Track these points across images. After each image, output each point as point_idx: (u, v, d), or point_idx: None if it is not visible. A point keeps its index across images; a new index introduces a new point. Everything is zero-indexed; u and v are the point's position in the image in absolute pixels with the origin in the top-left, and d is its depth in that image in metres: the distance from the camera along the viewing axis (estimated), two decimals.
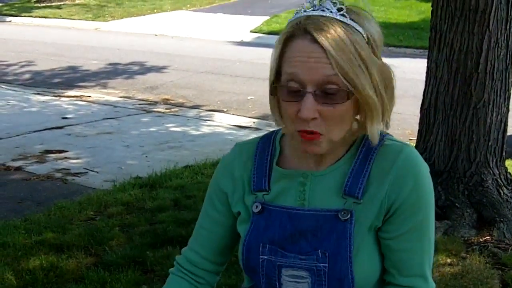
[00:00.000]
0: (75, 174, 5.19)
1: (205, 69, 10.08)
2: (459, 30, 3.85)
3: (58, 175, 5.16)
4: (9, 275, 3.29)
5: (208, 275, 1.40)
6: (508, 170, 4.27)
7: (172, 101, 8.24)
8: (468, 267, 3.44)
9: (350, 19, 1.13)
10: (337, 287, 1.20)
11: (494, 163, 4.04)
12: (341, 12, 1.12)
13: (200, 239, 1.38)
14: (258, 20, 14.87)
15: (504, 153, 4.14)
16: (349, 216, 1.19)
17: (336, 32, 1.10)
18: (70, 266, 3.45)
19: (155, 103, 8.15)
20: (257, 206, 1.26)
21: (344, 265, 1.19)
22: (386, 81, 1.17)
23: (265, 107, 8.54)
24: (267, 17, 15.16)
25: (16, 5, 17.70)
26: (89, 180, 5.08)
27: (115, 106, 7.83)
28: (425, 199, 1.21)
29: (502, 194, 4.00)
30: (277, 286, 1.25)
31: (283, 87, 1.15)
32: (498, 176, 4.06)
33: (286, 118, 1.18)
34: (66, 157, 5.66)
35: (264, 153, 1.29)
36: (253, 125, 7.10)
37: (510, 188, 4.14)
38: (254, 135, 6.66)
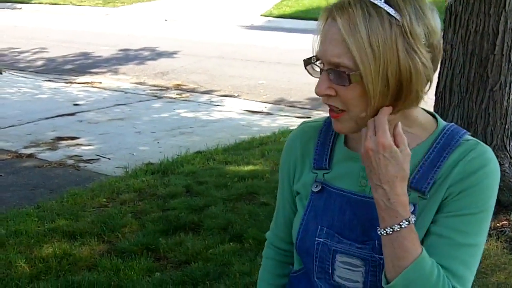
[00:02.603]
0: (87, 161, 5.18)
1: (215, 54, 10.02)
2: (475, 11, 3.77)
3: (70, 162, 5.16)
4: (22, 263, 3.29)
5: (288, 257, 1.39)
6: None
7: (183, 87, 8.21)
8: (486, 252, 3.39)
9: (388, 3, 1.07)
10: None
11: (511, 146, 3.97)
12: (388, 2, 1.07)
13: (277, 220, 1.39)
14: (268, 4, 14.75)
15: None
16: (412, 210, 1.12)
17: (354, 13, 1.07)
18: (83, 253, 3.45)
19: (166, 88, 8.12)
20: (317, 186, 1.24)
21: None
22: (403, 80, 1.09)
23: (277, 91, 8.52)
24: (278, 1, 15.04)
25: None
26: (101, 166, 5.07)
27: (126, 92, 7.80)
28: (481, 197, 1.13)
29: None
30: (330, 271, 1.21)
31: (312, 65, 1.18)
32: None
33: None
34: (78, 144, 5.66)
35: (328, 132, 1.27)
36: (265, 110, 7.05)
37: None
38: (267, 120, 6.62)
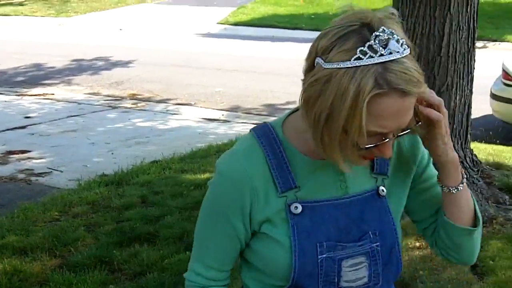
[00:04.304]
0: (39, 174, 5.08)
1: (171, 62, 9.96)
2: (421, 14, 3.85)
3: (21, 176, 5.05)
4: None
5: (227, 281, 1.32)
6: (474, 152, 4.30)
7: (139, 96, 8.13)
8: None
9: (407, 44, 1.09)
10: (388, 260, 1.25)
11: (459, 145, 4.06)
12: (404, 47, 1.08)
13: (215, 255, 1.26)
14: (224, 12, 14.77)
15: (469, 136, 4.16)
16: (383, 190, 1.26)
17: (415, 76, 1.08)
18: (34, 269, 3.37)
19: (121, 98, 8.03)
20: (296, 207, 1.18)
21: (391, 237, 1.25)
22: None
23: (233, 99, 8.54)
24: (234, 8, 15.08)
25: None
26: (53, 180, 4.97)
27: (79, 103, 7.69)
28: None
29: (468, 176, 4.02)
30: (336, 280, 1.22)
31: (368, 139, 1.11)
32: (463, 158, 4.07)
33: (351, 155, 1.13)
34: (29, 157, 5.54)
35: (276, 152, 1.20)
36: (222, 118, 7.04)
37: (476, 170, 4.17)
38: (223, 127, 6.61)
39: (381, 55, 1.05)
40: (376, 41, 1.05)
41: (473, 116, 4.25)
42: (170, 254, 3.48)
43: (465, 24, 3.87)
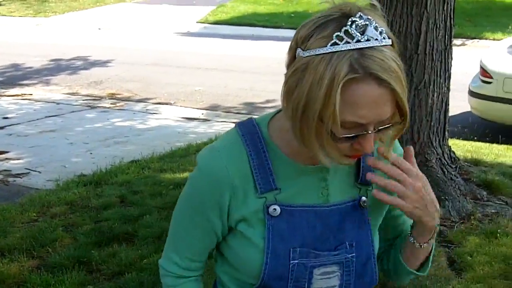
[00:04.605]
0: (17, 175, 5.02)
1: (151, 61, 9.91)
2: (398, 13, 3.87)
3: None
4: None
5: (202, 271, 1.32)
6: (452, 149, 4.34)
7: (118, 96, 8.08)
8: None
9: (387, 35, 1.06)
10: (362, 271, 1.23)
11: (437, 142, 4.09)
12: (383, 35, 1.05)
13: (191, 247, 1.25)
14: (204, 10, 14.72)
15: (446, 133, 4.19)
16: (364, 201, 1.23)
17: (392, 66, 1.04)
18: (11, 270, 3.33)
19: (100, 98, 7.96)
20: (275, 209, 1.16)
21: (367, 249, 1.23)
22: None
23: (213, 97, 8.52)
24: (213, 7, 15.04)
25: None
26: (31, 180, 4.92)
27: (58, 103, 7.61)
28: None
29: (446, 173, 4.06)
30: (306, 286, 1.20)
31: (344, 131, 1.06)
32: (441, 155, 4.11)
33: (330, 147, 1.08)
34: (7, 158, 5.47)
35: (259, 152, 1.17)
36: (201, 117, 7.02)
37: (453, 166, 4.21)
38: (203, 126, 6.59)
39: (358, 41, 1.03)
40: (353, 27, 1.03)
41: (451, 113, 4.29)
42: (149, 253, 3.46)
43: (442, 22, 3.90)
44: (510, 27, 11.83)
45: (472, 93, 6.29)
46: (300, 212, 1.18)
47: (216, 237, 1.24)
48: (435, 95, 4.00)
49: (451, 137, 5.51)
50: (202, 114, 7.13)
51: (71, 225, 3.92)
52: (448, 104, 4.15)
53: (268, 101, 7.35)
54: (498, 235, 3.61)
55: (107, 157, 5.39)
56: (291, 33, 1.32)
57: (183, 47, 11.24)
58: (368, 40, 1.03)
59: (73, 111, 7.24)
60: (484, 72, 6.15)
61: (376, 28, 1.04)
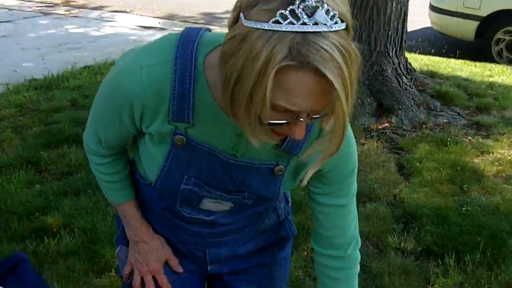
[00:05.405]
0: None
1: None
2: None
3: None
4: None
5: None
6: (408, 61, 4.33)
7: (73, 3, 7.77)
8: (366, 152, 3.51)
9: (339, 18, 0.93)
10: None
11: (393, 52, 4.07)
12: (335, 20, 0.92)
13: (109, 137, 1.23)
14: None
15: (404, 43, 4.17)
16: (284, 170, 1.17)
17: (336, 57, 0.91)
18: None
19: (54, 5, 7.65)
20: (179, 140, 1.12)
21: (269, 202, 1.24)
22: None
23: (170, 7, 8.26)
24: None
25: None
26: None
27: (10, 10, 7.30)
28: None
29: (401, 83, 4.07)
30: (195, 205, 1.22)
31: (274, 114, 0.97)
32: (397, 65, 4.10)
33: (257, 128, 0.99)
34: None
35: (185, 81, 1.09)
36: (158, 25, 6.83)
37: (409, 77, 4.22)
38: (159, 35, 6.38)
39: (304, 23, 0.91)
40: (301, 7, 0.91)
41: (413, 28, 4.25)
42: None
43: None
44: None
45: (433, 8, 6.24)
46: (204, 151, 1.14)
47: (131, 133, 1.21)
48: (393, 4, 3.95)
49: (410, 51, 5.51)
50: (159, 23, 6.94)
51: (20, 127, 3.83)
52: (407, 15, 4.11)
53: (227, 12, 7.16)
54: (448, 143, 3.67)
55: (59, 62, 5.23)
56: None
57: None
58: (316, 24, 0.91)
59: (26, 17, 6.96)
60: None
61: (327, 12, 0.92)
